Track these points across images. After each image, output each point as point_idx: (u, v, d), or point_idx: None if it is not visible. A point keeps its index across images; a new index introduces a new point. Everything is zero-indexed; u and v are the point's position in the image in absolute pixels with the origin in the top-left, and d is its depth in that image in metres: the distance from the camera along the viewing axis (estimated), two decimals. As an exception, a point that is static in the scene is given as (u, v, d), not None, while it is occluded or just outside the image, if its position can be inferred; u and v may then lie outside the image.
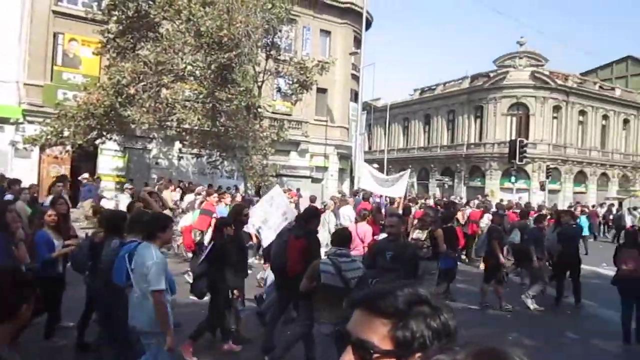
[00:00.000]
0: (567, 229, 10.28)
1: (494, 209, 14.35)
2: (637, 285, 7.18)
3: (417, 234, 8.19)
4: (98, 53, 18.57)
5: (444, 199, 21.85)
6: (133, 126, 17.12)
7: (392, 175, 16.46)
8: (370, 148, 52.11)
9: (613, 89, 42.04)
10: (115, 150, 21.24)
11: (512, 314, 9.01)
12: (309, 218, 6.41)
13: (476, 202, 19.12)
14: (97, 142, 17.82)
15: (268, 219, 7.96)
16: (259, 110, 18.06)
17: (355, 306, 1.15)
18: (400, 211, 10.76)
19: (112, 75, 15.91)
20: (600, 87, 41.41)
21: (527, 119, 37.00)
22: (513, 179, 24.17)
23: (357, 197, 15.62)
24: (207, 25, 14.98)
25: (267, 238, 7.86)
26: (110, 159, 21.55)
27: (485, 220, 13.89)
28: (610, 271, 9.47)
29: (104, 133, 17.44)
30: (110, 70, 16.56)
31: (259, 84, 18.54)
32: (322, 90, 26.65)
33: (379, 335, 1.08)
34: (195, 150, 19.70)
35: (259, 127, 17.70)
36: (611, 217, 24.62)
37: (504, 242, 10.39)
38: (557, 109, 37.66)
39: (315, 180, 27.72)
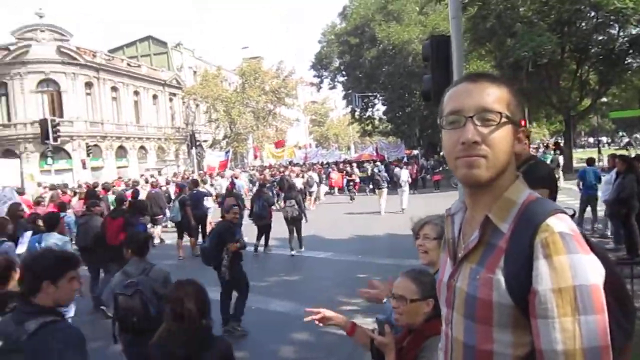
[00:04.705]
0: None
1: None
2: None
3: None
4: None
5: None
6: None
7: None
8: None
9: (140, 66, 44.59)
10: None
11: None
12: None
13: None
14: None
15: None
16: None
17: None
18: None
19: None
20: (129, 64, 43.25)
21: (59, 95, 35.25)
22: (50, 160, 22.74)
23: None
24: None
25: None
26: None
27: None
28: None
29: None
30: None
31: None
32: None
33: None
34: None
35: None
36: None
37: None
38: (89, 85, 37.30)
39: None
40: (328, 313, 2.40)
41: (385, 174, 20.33)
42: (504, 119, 1.22)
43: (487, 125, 1.21)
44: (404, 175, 19.21)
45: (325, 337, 6.41)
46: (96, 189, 14.99)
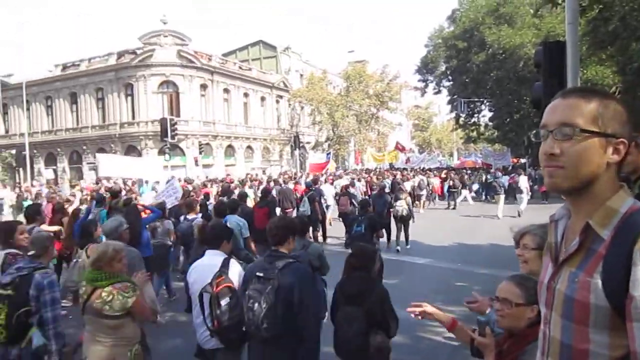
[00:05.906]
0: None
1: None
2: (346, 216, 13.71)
3: None
4: None
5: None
6: None
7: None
8: (7, 131, 45.42)
9: (250, 69, 46.66)
10: None
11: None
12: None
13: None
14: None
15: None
16: None
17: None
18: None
19: None
20: (240, 67, 45.44)
21: (177, 96, 37.89)
22: (167, 156, 24.46)
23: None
24: None
25: None
26: None
27: None
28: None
29: None
30: None
31: None
32: None
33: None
34: None
35: None
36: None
37: None
38: (203, 87, 39.69)
39: None
40: (429, 309, 2.55)
41: (503, 181, 21.20)
42: (583, 133, 1.28)
43: (565, 139, 1.29)
44: (523, 181, 20.00)
45: (423, 341, 6.43)
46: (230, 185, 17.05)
